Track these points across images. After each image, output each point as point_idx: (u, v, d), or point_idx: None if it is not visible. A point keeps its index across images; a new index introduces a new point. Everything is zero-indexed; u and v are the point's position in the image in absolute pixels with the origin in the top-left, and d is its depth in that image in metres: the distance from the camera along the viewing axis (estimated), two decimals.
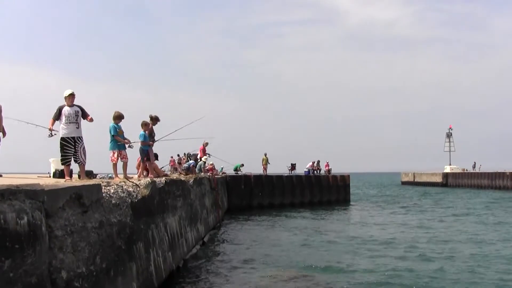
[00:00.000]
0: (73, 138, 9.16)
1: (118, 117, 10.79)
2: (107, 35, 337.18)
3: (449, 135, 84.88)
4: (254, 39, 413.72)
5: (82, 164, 9.46)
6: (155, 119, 13.53)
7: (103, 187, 7.00)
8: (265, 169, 37.81)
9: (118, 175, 11.06)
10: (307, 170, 40.48)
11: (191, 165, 21.65)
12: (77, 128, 9.24)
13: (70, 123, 9.14)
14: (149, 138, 13.08)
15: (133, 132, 12.72)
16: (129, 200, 8.03)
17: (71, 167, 9.57)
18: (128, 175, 11.10)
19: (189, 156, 24.05)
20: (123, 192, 7.93)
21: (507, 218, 26.00)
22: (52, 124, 9.24)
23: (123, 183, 8.63)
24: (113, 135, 10.68)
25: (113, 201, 7.14)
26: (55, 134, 9.26)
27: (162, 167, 20.72)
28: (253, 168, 38.99)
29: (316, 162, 41.82)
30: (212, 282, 11.79)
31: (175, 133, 15.06)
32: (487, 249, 15.98)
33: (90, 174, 11.48)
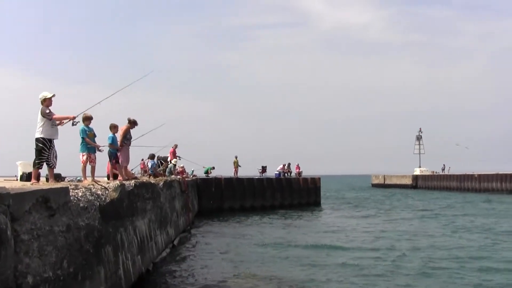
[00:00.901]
0: (51, 140, 9.03)
1: (87, 119, 10.64)
2: (83, 36, 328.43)
3: (418, 138, 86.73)
4: (238, 41, 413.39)
5: (53, 167, 9.30)
6: (133, 123, 13.43)
7: (71, 190, 6.92)
8: (236, 171, 37.83)
9: (87, 178, 10.94)
10: (277, 172, 40.69)
11: (153, 167, 21.43)
12: (57, 131, 9.16)
13: (54, 125, 9.03)
14: (124, 140, 12.97)
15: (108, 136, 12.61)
16: (98, 203, 7.95)
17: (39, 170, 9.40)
18: (96, 178, 10.99)
19: (159, 159, 23.80)
20: (92, 195, 7.85)
21: (475, 222, 26.65)
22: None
23: (91, 186, 8.54)
24: (82, 137, 10.55)
25: (81, 204, 7.07)
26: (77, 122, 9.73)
27: (132, 170, 20.54)
28: (224, 171, 38.96)
29: (287, 165, 42.11)
30: (182, 285, 11.78)
31: (143, 138, 15.19)
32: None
33: (58, 177, 11.25)
